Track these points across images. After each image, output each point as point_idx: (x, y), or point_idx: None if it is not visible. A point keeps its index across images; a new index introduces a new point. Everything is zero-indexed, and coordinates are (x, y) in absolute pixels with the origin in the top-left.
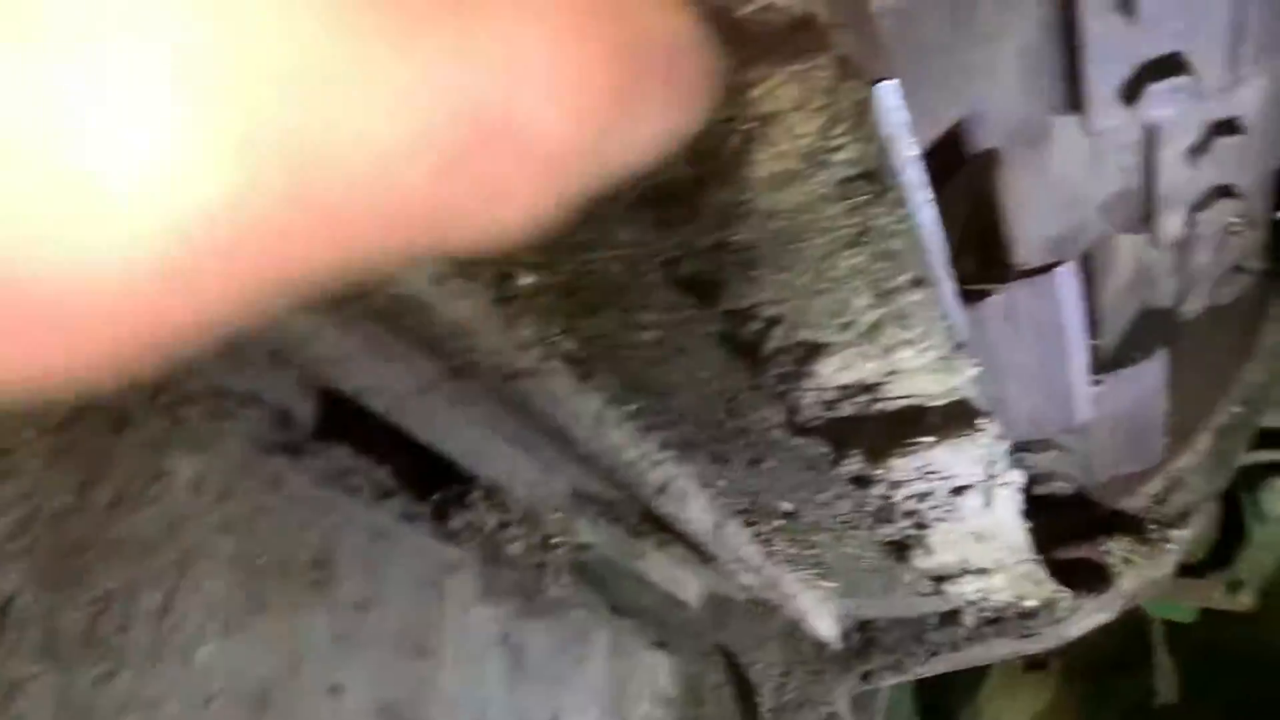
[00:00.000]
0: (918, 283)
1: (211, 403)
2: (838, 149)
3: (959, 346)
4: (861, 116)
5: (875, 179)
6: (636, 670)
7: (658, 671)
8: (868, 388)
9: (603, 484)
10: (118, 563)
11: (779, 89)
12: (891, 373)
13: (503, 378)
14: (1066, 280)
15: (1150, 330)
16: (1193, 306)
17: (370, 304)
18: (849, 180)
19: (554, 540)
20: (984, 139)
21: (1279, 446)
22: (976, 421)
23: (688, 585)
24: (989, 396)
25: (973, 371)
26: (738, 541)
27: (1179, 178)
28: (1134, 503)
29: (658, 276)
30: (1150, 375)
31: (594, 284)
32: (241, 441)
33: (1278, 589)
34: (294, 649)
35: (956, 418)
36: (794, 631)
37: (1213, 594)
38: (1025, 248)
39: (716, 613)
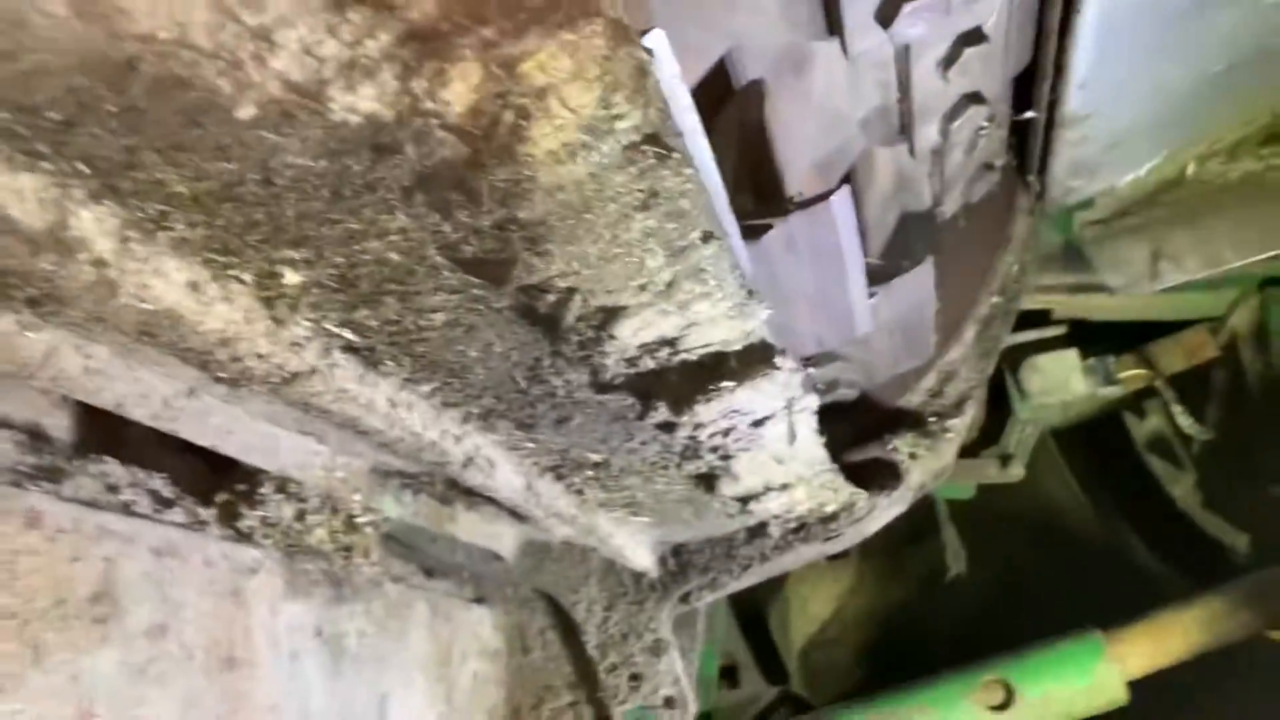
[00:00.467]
0: (708, 237)
1: None
2: (619, 117)
3: (751, 293)
4: (641, 82)
5: (659, 141)
6: (459, 631)
7: (480, 627)
8: (668, 342)
9: (404, 460)
10: None
11: (551, 61)
12: (690, 325)
13: (281, 381)
14: (842, 207)
15: (912, 234)
16: (949, 207)
17: (117, 322)
18: (634, 146)
19: (358, 520)
20: (748, 71)
21: (1034, 327)
22: (775, 360)
23: (501, 538)
24: (777, 325)
25: (765, 314)
26: (550, 496)
27: (932, 89)
28: (913, 399)
29: (440, 260)
30: (920, 279)
31: (370, 274)
32: None
33: (1040, 460)
34: (82, 694)
35: (754, 360)
36: (611, 566)
37: (988, 470)
38: (795, 174)
39: (533, 559)
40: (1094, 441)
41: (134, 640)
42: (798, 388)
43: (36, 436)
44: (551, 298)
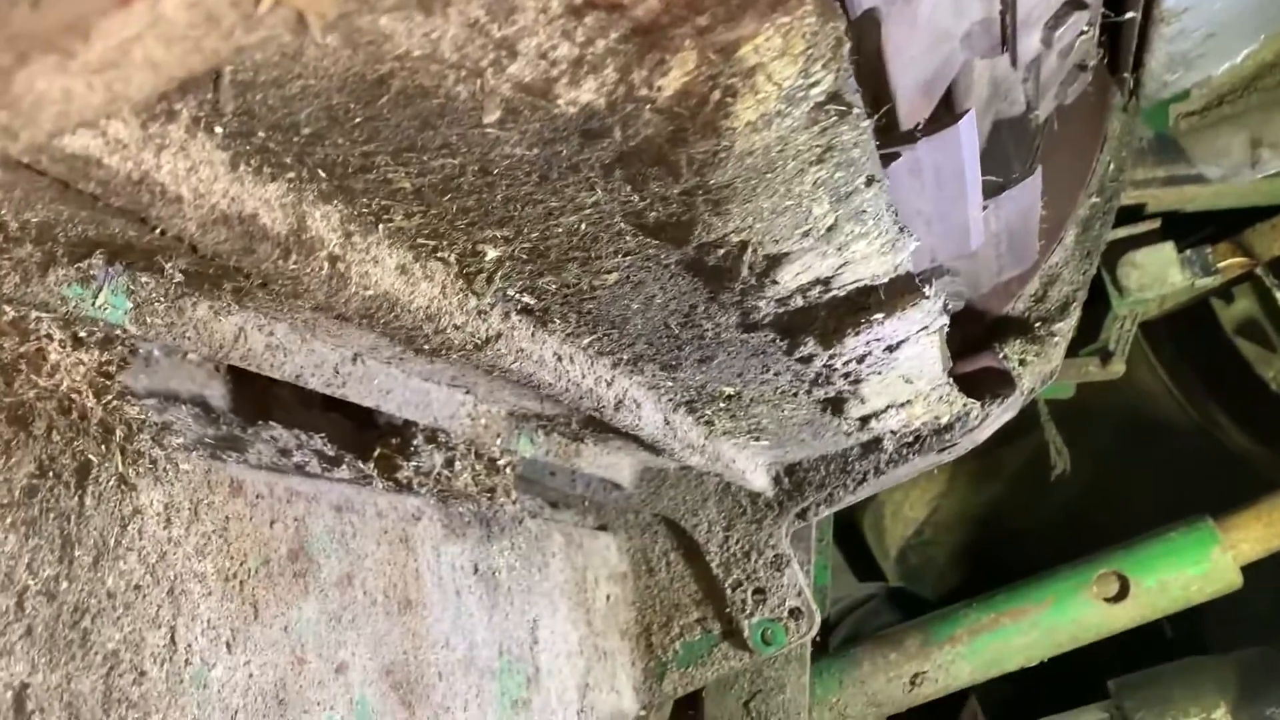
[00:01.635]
0: (870, 180)
1: (154, 424)
2: (816, 84)
3: (902, 228)
4: (838, 50)
5: (841, 99)
6: (591, 558)
7: (608, 553)
8: (822, 281)
9: (561, 407)
10: (116, 615)
11: (765, 43)
12: (844, 265)
13: (474, 348)
14: (968, 132)
15: (1007, 141)
16: (1043, 111)
17: (343, 309)
18: (819, 106)
19: (499, 462)
20: (863, 1)
21: (1128, 222)
22: (923, 289)
23: (620, 468)
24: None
25: (914, 246)
26: (684, 429)
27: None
28: (1018, 305)
29: (624, 226)
30: (1028, 189)
31: (559, 244)
32: (195, 458)
33: (1135, 355)
34: (294, 642)
35: (902, 290)
36: (728, 488)
37: (1089, 368)
38: (905, 97)
39: (650, 486)
40: (1180, 329)
41: (328, 591)
42: (938, 312)
43: (205, 408)
44: (722, 251)
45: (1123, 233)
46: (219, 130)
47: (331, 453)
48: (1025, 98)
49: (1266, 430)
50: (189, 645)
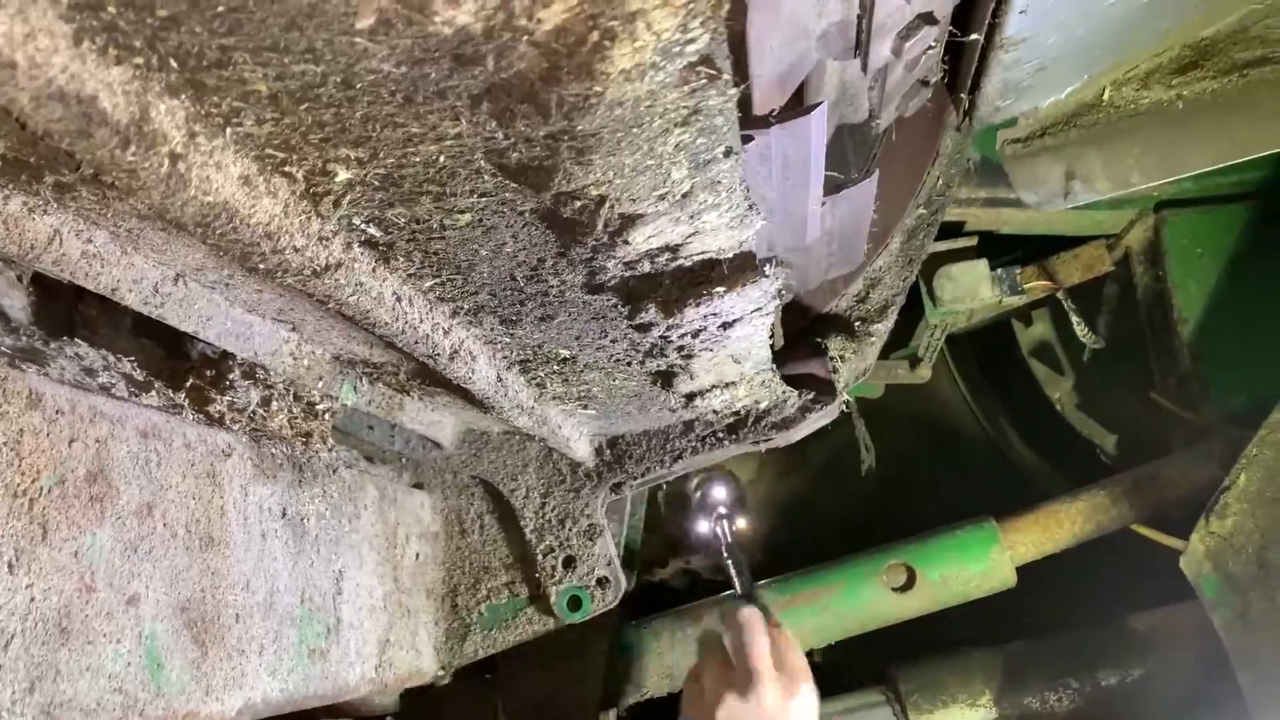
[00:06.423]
0: (729, 152)
1: None
2: (692, 40)
3: (752, 205)
4: (717, 10)
5: (712, 63)
6: (403, 514)
7: (421, 511)
8: (671, 249)
9: (373, 349)
10: None
11: None
12: (694, 234)
13: (312, 274)
14: (819, 124)
15: (848, 146)
16: (884, 120)
17: (179, 214)
18: (691, 66)
19: (319, 407)
20: None
21: (950, 238)
22: (764, 268)
23: (442, 426)
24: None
25: (760, 224)
26: (516, 389)
27: (893, 7)
28: (840, 304)
29: (484, 165)
30: (864, 190)
31: (414, 175)
32: None
33: (939, 365)
34: (84, 569)
35: (744, 267)
36: (549, 456)
37: (898, 371)
38: (760, 84)
39: (472, 448)
40: (981, 345)
41: (126, 519)
42: (774, 294)
43: (3, 318)
44: (579, 204)
45: (942, 247)
46: None
47: (140, 377)
48: (870, 105)
49: (1047, 446)
50: None
